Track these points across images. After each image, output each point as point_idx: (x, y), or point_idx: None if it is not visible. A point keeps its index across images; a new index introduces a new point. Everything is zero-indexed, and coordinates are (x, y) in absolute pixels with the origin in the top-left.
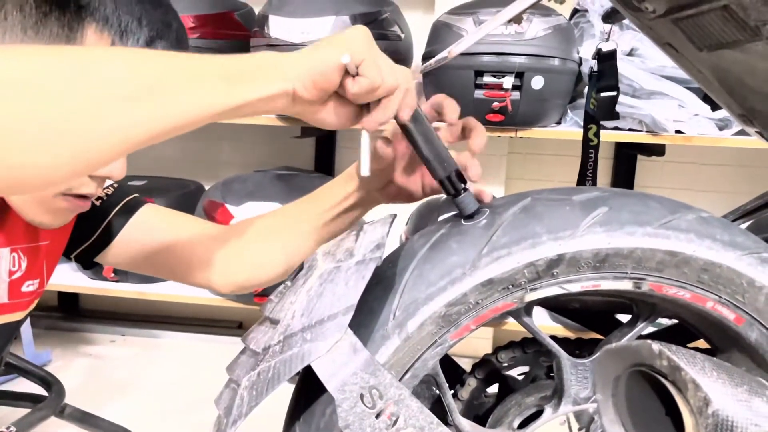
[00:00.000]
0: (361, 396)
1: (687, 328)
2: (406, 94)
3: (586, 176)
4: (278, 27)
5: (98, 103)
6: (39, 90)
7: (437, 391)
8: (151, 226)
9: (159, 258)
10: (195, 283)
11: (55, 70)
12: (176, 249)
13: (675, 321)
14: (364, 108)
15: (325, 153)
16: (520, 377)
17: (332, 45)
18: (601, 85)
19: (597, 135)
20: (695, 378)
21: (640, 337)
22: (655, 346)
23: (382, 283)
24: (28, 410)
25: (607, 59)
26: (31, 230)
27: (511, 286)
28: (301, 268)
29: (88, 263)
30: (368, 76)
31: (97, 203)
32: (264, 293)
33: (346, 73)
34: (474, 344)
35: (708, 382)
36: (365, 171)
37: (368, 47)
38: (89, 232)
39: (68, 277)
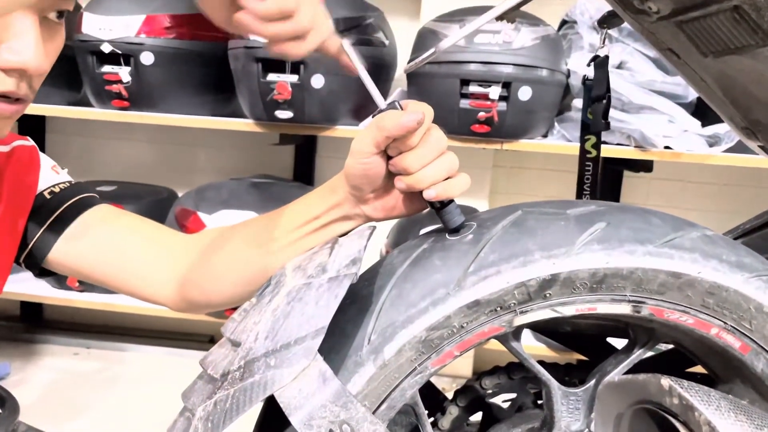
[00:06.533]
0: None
1: (684, 353)
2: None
3: (584, 190)
4: None
5: None
6: None
7: (415, 420)
8: (98, 229)
9: (104, 266)
10: (144, 298)
11: None
12: (124, 257)
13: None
14: None
15: (304, 161)
16: (506, 405)
17: None
18: (594, 95)
19: (596, 147)
20: (711, 419)
21: (638, 365)
22: (665, 381)
23: (356, 302)
24: None
25: (599, 67)
26: None
27: (499, 309)
28: (268, 284)
29: (38, 269)
30: None
31: (48, 197)
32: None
33: None
34: (454, 363)
35: (725, 424)
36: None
37: None
38: (35, 231)
39: (31, 286)
